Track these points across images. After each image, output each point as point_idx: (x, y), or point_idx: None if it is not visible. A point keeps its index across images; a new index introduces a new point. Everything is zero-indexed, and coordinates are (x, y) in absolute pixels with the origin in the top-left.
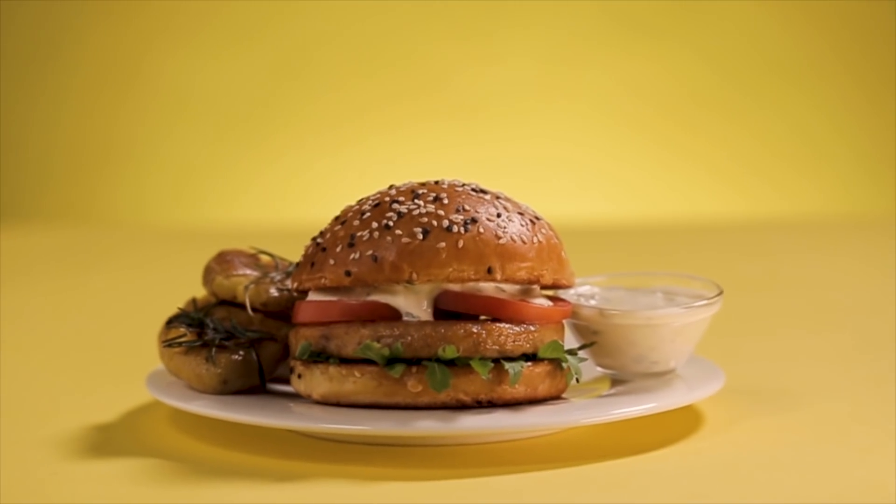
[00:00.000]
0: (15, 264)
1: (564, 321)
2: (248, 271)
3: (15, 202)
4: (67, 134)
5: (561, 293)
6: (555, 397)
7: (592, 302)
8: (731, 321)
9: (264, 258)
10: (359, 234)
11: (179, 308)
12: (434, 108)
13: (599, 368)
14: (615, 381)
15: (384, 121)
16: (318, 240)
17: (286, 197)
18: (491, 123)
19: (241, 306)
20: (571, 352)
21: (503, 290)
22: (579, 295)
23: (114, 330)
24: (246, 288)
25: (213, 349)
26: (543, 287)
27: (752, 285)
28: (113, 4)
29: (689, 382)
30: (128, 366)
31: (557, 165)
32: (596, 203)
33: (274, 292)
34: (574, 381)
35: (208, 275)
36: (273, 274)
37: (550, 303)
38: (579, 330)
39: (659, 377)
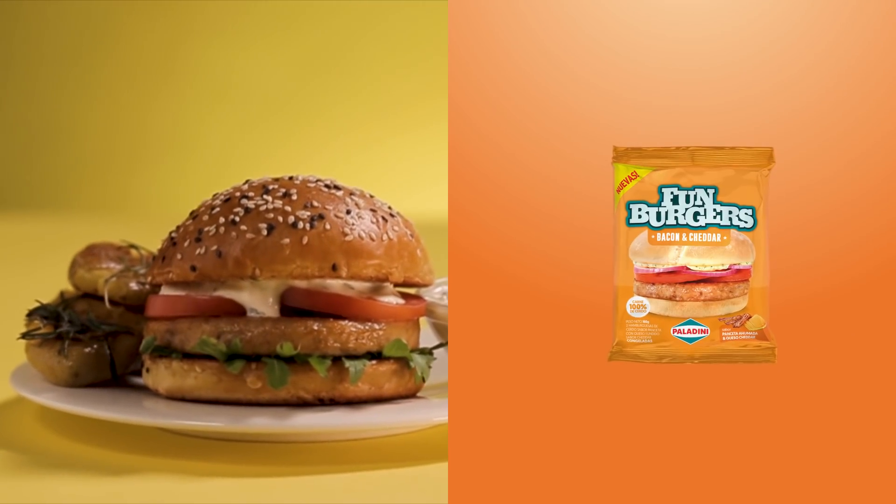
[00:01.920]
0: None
1: (424, 320)
2: (112, 265)
3: (42, 189)
4: (100, 125)
5: (424, 292)
6: (407, 396)
7: None
8: None
9: (134, 252)
10: (206, 229)
11: (38, 301)
12: None
13: None
14: None
15: (415, 118)
16: (173, 234)
17: None
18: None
19: (104, 300)
20: (425, 351)
21: (352, 288)
22: (444, 294)
23: None
24: (106, 281)
25: (66, 342)
26: (397, 285)
27: None
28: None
29: None
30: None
31: None
32: None
33: (134, 286)
34: (421, 380)
35: (72, 267)
36: (137, 268)
37: (402, 301)
38: (438, 329)
39: None
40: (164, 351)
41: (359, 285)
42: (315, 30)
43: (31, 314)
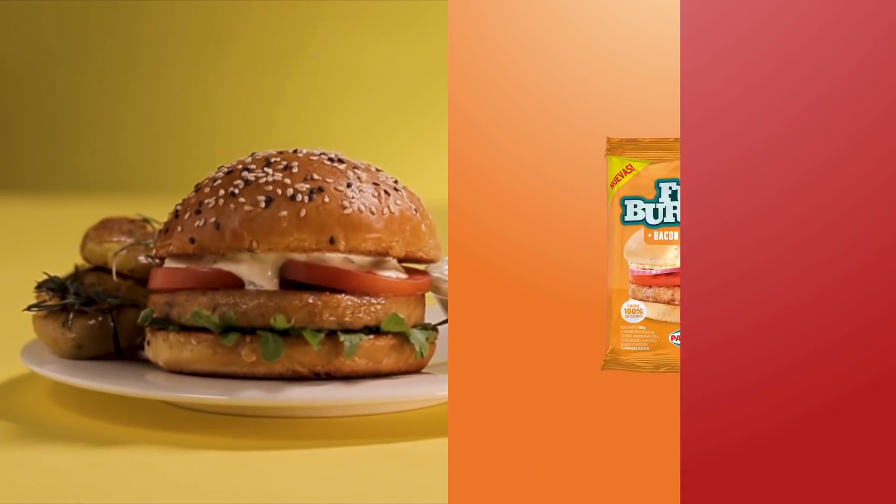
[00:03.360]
0: None
1: (430, 295)
2: (124, 238)
3: (169, 178)
4: (226, 118)
5: (432, 268)
6: (407, 372)
7: None
8: None
9: (148, 226)
10: (206, 201)
11: (46, 273)
12: None
13: None
14: None
15: None
16: (178, 206)
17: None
18: None
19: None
20: (427, 326)
21: (352, 262)
22: None
23: None
24: (115, 254)
25: (71, 314)
26: (401, 260)
27: None
28: None
29: None
30: None
31: None
32: None
33: (143, 259)
34: (420, 356)
35: (84, 241)
36: (147, 241)
37: (404, 275)
38: (445, 305)
39: None
40: (163, 323)
41: (359, 259)
42: (444, 25)
43: (39, 286)
